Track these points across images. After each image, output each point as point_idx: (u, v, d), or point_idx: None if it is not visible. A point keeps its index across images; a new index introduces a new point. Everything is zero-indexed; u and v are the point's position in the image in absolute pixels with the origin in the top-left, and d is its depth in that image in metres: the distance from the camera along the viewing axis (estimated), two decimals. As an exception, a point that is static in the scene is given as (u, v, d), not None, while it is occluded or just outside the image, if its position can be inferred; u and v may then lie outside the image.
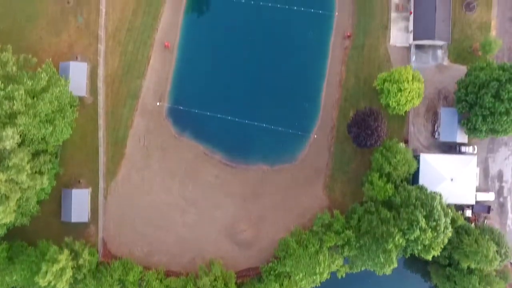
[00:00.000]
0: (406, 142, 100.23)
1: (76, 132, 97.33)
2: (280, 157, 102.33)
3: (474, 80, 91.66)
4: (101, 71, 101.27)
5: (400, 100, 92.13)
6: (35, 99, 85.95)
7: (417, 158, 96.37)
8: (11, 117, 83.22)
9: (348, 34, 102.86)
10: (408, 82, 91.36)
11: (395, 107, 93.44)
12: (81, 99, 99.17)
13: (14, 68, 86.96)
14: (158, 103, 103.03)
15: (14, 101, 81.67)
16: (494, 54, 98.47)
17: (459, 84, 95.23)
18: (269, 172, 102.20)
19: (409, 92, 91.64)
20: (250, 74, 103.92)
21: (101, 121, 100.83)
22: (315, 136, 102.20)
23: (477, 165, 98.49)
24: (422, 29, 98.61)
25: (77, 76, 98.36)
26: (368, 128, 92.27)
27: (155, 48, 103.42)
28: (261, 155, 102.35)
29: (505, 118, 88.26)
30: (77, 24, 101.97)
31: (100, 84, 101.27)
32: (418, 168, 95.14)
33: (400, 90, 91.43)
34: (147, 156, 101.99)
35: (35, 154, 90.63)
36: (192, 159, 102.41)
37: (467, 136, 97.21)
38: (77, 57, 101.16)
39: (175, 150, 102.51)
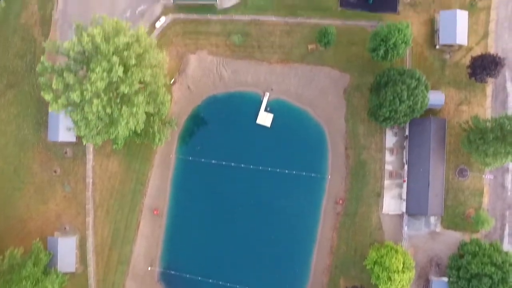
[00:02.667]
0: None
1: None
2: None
3: (466, 266, 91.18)
4: (90, 243, 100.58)
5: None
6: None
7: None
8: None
9: (341, 199, 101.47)
10: (398, 272, 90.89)
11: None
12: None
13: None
14: (149, 268, 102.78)
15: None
16: (488, 230, 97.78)
17: (451, 262, 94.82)
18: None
19: (399, 282, 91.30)
20: (240, 238, 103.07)
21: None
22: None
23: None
24: (415, 204, 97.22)
25: (66, 252, 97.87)
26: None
27: (144, 213, 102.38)
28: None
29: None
30: (65, 193, 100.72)
31: (90, 255, 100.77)
32: None
33: (390, 279, 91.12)
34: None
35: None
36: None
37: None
38: (65, 228, 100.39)
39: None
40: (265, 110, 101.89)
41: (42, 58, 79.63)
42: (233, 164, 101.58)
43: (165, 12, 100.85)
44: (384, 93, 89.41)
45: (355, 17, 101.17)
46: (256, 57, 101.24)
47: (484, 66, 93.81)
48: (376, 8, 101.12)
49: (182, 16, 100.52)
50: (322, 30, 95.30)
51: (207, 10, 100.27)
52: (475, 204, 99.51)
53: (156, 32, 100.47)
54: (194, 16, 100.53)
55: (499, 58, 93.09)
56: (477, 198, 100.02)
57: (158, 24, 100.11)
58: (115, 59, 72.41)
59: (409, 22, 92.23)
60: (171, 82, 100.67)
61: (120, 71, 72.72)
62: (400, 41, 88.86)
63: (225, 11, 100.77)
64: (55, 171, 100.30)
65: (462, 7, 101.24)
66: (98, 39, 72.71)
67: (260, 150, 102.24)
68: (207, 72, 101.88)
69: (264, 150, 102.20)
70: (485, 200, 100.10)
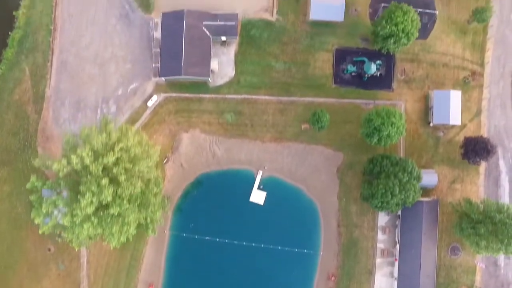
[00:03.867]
0: None
1: None
2: None
3: None
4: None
5: None
6: None
7: None
8: None
9: (333, 275, 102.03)
10: None
11: None
12: None
13: None
14: None
15: None
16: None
17: None
18: None
19: None
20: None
21: None
22: None
23: None
24: (407, 284, 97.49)
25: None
26: None
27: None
28: None
29: None
30: (59, 271, 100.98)
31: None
32: None
33: None
34: None
35: None
36: None
37: None
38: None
39: None
40: (258, 188, 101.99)
41: (32, 178, 79.47)
42: (226, 240, 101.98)
43: (157, 89, 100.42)
44: (377, 184, 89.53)
45: (349, 95, 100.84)
46: (249, 136, 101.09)
47: (476, 152, 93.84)
48: (370, 85, 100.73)
49: (174, 94, 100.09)
50: (316, 115, 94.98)
51: (199, 88, 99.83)
52: (468, 282, 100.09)
53: (148, 111, 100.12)
54: (186, 94, 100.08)
55: (491, 146, 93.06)
56: (470, 276, 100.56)
57: (150, 103, 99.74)
58: (104, 181, 72.50)
59: (403, 113, 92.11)
60: (164, 161, 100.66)
61: (109, 195, 72.97)
62: (393, 133, 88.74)
63: (218, 88, 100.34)
64: (49, 249, 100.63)
65: (455, 84, 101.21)
66: (87, 160, 72.67)
67: (253, 227, 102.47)
68: (200, 150, 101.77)
69: (257, 227, 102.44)
70: (478, 278, 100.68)
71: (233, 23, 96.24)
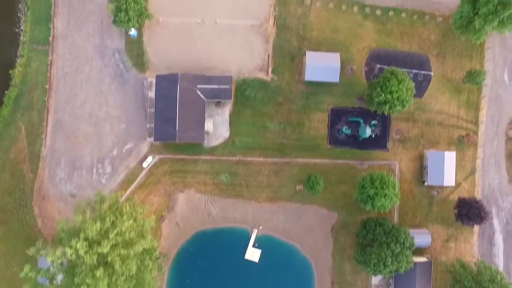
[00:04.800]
0: None
1: None
2: None
3: None
4: None
5: None
6: None
7: None
8: None
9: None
10: None
11: None
12: None
13: None
14: None
15: None
16: None
17: None
18: None
19: None
20: None
21: None
22: None
23: None
24: None
25: None
26: None
27: None
28: None
29: None
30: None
31: None
32: None
33: None
34: None
35: None
36: None
37: None
38: None
39: None
40: (253, 246, 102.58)
41: (25, 268, 79.77)
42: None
43: (152, 150, 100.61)
44: (369, 253, 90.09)
45: (344, 155, 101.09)
46: (244, 196, 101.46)
47: (469, 217, 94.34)
48: (365, 145, 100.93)
49: (169, 156, 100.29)
50: (310, 181, 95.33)
51: (194, 149, 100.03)
52: None
53: (143, 172, 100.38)
54: (181, 156, 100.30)
55: (485, 213, 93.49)
56: None
57: (145, 164, 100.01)
58: (99, 273, 72.95)
59: (397, 182, 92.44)
60: (160, 220, 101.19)
61: (105, 285, 73.46)
62: (387, 204, 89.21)
63: (213, 149, 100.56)
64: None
65: (450, 143, 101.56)
66: (82, 252, 73.05)
67: (249, 284, 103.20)
68: (195, 209, 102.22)
69: (252, 284, 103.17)
70: None
71: (227, 86, 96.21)
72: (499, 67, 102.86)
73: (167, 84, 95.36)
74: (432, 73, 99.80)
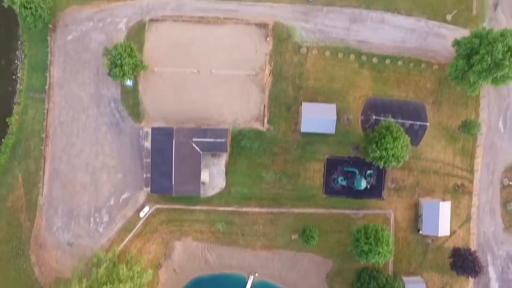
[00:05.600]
0: None
1: None
2: None
3: None
4: None
5: None
6: None
7: None
8: None
9: None
10: None
11: None
12: None
13: None
14: None
15: None
16: None
17: None
18: None
19: None
20: None
21: None
22: None
23: None
24: None
25: None
26: None
27: None
28: None
29: None
30: None
31: None
32: None
33: None
34: None
35: None
36: None
37: None
38: None
39: None
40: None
41: None
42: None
43: (149, 200, 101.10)
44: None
45: (340, 205, 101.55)
46: (240, 244, 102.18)
47: (464, 268, 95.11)
48: (361, 194, 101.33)
49: (165, 206, 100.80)
50: (305, 234, 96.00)
51: (190, 199, 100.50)
52: None
53: (140, 222, 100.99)
54: (178, 206, 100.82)
55: (479, 267, 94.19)
56: None
57: (142, 214, 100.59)
58: None
59: (391, 237, 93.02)
60: (158, 267, 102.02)
61: None
62: (380, 261, 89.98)
63: (209, 199, 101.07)
64: None
65: (445, 191, 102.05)
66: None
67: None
68: (192, 257, 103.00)
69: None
70: None
71: (223, 140, 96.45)
72: (494, 115, 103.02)
73: (162, 137, 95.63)
74: (428, 124, 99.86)
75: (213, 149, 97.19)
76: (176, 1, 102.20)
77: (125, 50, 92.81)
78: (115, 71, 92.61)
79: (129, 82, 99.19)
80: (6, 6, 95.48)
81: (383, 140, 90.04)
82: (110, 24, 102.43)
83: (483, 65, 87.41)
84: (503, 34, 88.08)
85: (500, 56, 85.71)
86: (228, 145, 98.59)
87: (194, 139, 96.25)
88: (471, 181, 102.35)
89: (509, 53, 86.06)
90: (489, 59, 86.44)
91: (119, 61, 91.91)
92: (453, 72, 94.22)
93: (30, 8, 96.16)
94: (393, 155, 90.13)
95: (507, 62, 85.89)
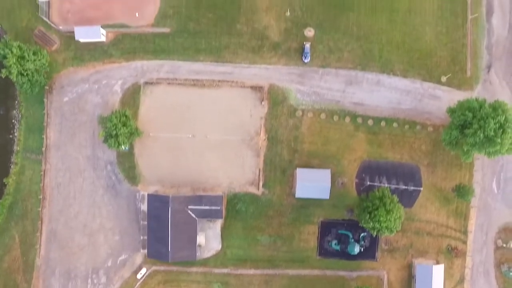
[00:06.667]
0: None
1: None
2: None
3: None
4: None
5: None
6: None
7: None
8: None
9: None
10: None
11: None
12: None
13: None
14: None
15: None
16: None
17: None
18: None
19: None
20: None
21: None
22: None
23: None
24: None
25: None
26: None
27: None
28: None
29: None
30: None
31: None
32: None
33: None
34: None
35: None
36: None
37: None
38: None
39: None
40: None
41: None
42: None
43: (146, 261, 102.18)
44: None
45: (334, 266, 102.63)
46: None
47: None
48: (355, 256, 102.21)
49: (162, 267, 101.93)
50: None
51: (187, 261, 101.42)
52: None
53: (138, 283, 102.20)
54: (175, 268, 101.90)
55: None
56: None
57: (139, 276, 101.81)
58: None
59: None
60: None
61: None
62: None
63: (205, 261, 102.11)
64: None
65: (439, 252, 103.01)
66: None
67: None
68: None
69: None
70: None
71: (218, 207, 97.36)
72: (488, 176, 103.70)
73: (158, 204, 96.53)
74: (421, 188, 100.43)
75: (209, 216, 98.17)
76: (171, 64, 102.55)
77: (120, 120, 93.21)
78: (111, 142, 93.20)
79: (124, 147, 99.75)
80: (3, 76, 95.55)
81: (376, 212, 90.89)
82: (106, 86, 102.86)
83: (476, 139, 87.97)
84: (495, 108, 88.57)
85: (492, 133, 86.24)
86: (224, 211, 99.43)
87: (189, 207, 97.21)
88: (464, 242, 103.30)
89: (501, 130, 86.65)
90: (481, 135, 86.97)
91: (114, 132, 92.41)
92: (447, 139, 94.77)
93: (27, 75, 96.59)
94: (386, 227, 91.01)
95: (498, 140, 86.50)
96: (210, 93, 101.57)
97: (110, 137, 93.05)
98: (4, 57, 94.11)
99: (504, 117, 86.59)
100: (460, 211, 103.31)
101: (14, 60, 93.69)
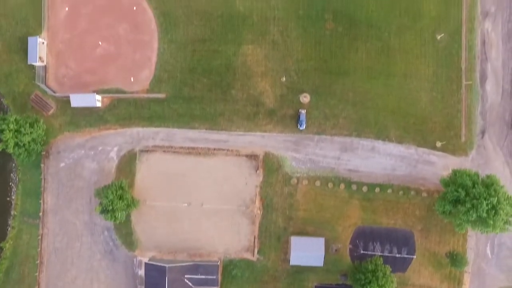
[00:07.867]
0: None
1: None
2: None
3: None
4: None
5: None
6: None
7: None
8: None
9: None
10: None
11: None
12: None
13: None
14: None
15: None
16: None
17: None
18: None
19: None
20: None
21: None
22: None
23: None
24: None
25: None
26: None
27: None
28: None
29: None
30: None
31: None
32: None
33: None
34: None
35: None
36: None
37: None
38: None
39: None
40: None
41: None
42: None
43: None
44: None
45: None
46: None
47: None
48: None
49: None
50: None
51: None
52: None
53: None
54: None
55: None
56: None
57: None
58: None
59: None
60: None
61: None
62: None
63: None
64: None
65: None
66: None
67: None
68: None
69: None
70: None
71: (214, 277, 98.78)
72: (482, 241, 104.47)
73: (156, 273, 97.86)
74: (415, 256, 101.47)
75: (205, 284, 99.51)
76: (166, 131, 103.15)
77: (116, 194, 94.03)
78: (107, 216, 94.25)
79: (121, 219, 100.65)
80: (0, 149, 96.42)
81: (368, 286, 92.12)
82: (102, 153, 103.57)
83: (469, 217, 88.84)
84: (488, 187, 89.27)
85: (484, 214, 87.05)
86: (220, 277, 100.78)
87: (186, 276, 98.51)
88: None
89: (494, 211, 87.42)
90: (474, 214, 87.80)
91: (111, 207, 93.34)
92: (440, 210, 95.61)
93: (24, 145, 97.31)
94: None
95: (491, 221, 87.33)
96: (205, 161, 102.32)
97: (106, 212, 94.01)
98: (1, 131, 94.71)
99: (496, 198, 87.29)
100: (454, 276, 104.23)
101: (11, 135, 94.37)
